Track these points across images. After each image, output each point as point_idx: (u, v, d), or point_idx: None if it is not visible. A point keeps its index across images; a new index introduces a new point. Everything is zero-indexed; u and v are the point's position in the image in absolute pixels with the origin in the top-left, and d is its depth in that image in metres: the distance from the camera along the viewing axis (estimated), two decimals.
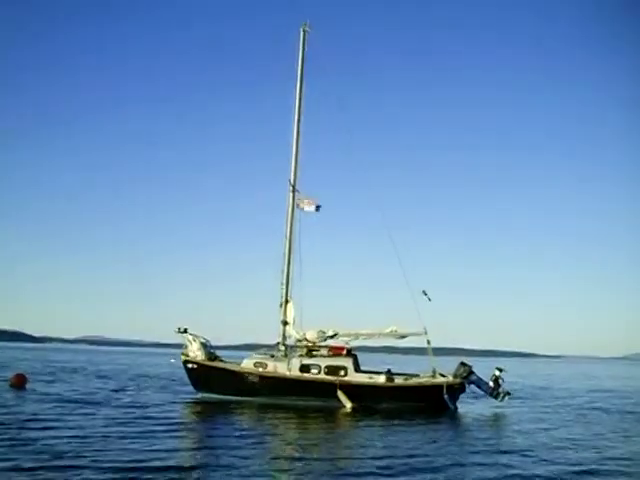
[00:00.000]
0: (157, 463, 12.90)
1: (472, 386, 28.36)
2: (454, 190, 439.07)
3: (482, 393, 29.29)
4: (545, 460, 15.30)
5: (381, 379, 27.69)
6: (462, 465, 14.31)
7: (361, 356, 29.98)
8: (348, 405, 26.29)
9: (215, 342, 31.27)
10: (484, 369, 30.34)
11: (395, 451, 15.90)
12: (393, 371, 29.66)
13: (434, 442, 17.96)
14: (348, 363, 27.68)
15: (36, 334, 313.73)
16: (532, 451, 16.59)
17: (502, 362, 38.28)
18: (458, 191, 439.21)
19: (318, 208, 30.71)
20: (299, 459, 14.26)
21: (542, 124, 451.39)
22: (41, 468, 11.97)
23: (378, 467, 13.52)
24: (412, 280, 28.50)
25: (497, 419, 25.18)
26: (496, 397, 28.16)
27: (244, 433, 18.13)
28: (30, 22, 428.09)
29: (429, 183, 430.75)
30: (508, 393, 28.41)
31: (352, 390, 26.78)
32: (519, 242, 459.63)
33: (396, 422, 22.44)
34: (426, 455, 15.49)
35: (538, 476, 13.35)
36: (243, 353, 31.06)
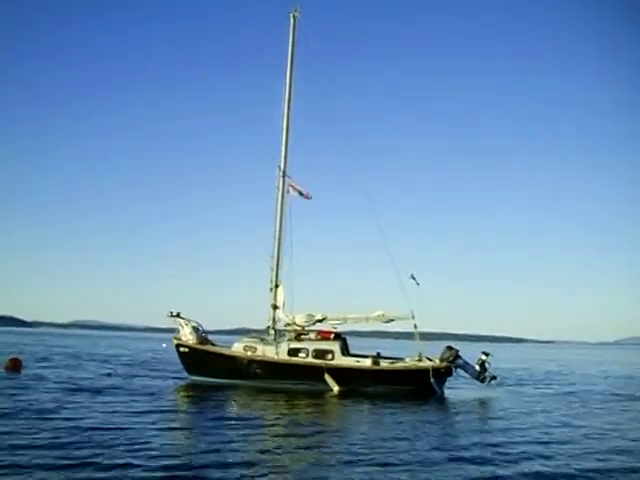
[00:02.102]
0: (149, 452, 12.97)
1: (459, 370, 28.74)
2: (445, 175, 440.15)
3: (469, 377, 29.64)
4: (527, 442, 15.71)
5: (367, 363, 28.06)
6: (445, 449, 14.61)
7: (353, 341, 30.36)
8: (335, 388, 26.69)
9: (209, 326, 31.66)
10: (474, 354, 30.56)
11: (381, 435, 16.16)
12: (383, 355, 30.04)
13: (419, 425, 18.34)
14: (335, 347, 28.03)
15: (28, 319, 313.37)
16: (517, 433, 17.00)
17: (493, 347, 38.74)
18: (449, 175, 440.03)
19: (310, 197, 31.02)
20: (285, 445, 14.38)
21: (528, 111, 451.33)
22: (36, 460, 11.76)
23: (363, 453, 13.71)
24: (401, 265, 28.80)
25: (483, 403, 25.57)
26: (482, 381, 28.42)
27: (233, 418, 18.33)
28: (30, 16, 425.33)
29: (420, 169, 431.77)
30: (494, 377, 28.69)
31: (339, 373, 27.17)
32: (509, 227, 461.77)
33: (382, 406, 22.77)
34: (410, 439, 15.80)
35: (521, 458, 13.70)
36: (236, 337, 31.43)
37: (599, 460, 13.78)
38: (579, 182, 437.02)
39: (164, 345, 35.31)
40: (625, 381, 39.88)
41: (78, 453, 12.46)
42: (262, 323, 30.53)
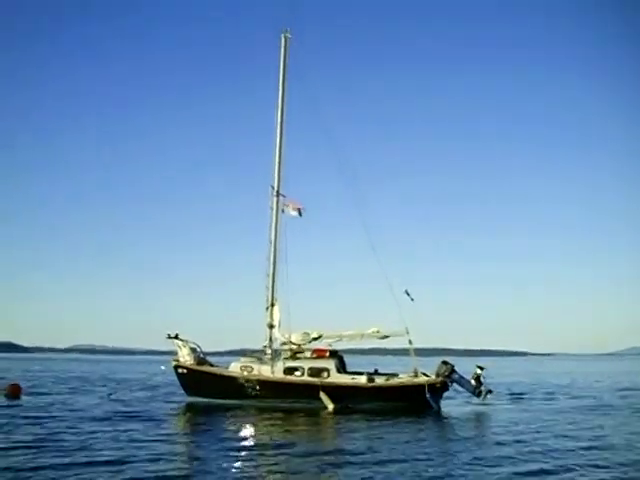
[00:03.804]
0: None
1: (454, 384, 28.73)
2: (441, 186, 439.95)
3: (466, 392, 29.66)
4: (524, 456, 15.76)
5: (362, 380, 28.13)
6: (442, 464, 14.70)
7: (353, 359, 30.41)
8: (330, 406, 26.75)
9: (209, 348, 31.72)
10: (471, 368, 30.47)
11: (376, 454, 16.09)
12: (381, 372, 30.05)
13: (415, 442, 18.34)
14: (330, 365, 28.17)
15: (27, 344, 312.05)
16: (513, 448, 16.99)
17: (495, 361, 38.76)
18: (445, 186, 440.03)
19: (300, 213, 31.22)
20: (286, 468, 14.24)
21: (525, 114, 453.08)
22: None
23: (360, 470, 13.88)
24: (396, 281, 28.96)
25: (479, 417, 25.57)
26: (478, 395, 28.48)
27: (233, 441, 18.21)
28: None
29: (416, 181, 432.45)
30: (490, 391, 28.73)
31: (334, 391, 27.27)
32: (507, 239, 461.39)
33: (377, 423, 22.67)
34: (406, 456, 15.76)
35: (519, 473, 13.76)
36: (236, 358, 31.52)
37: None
38: (580, 190, 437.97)
39: (163, 367, 35.58)
40: (631, 392, 39.72)
41: None
42: (261, 343, 30.70)
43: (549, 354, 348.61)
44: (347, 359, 30.32)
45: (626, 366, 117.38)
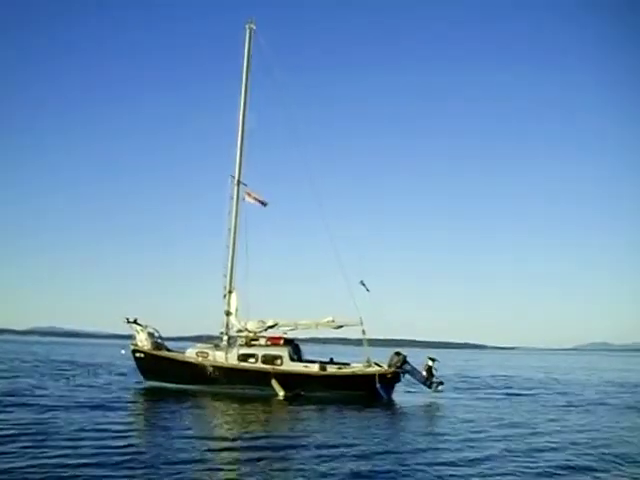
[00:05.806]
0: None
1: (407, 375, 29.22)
2: (400, 180, 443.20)
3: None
4: (469, 447, 16.17)
5: (314, 368, 28.66)
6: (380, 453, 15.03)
7: (315, 347, 30.63)
8: (281, 393, 27.30)
9: (172, 333, 31.85)
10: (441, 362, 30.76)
11: (318, 439, 16.39)
12: (337, 361, 30.67)
13: (353, 430, 18.74)
14: (284, 352, 28.63)
15: None
16: (458, 438, 17.47)
17: (454, 353, 39.23)
18: (404, 181, 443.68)
19: (265, 204, 31.57)
20: (232, 455, 14.47)
21: (513, 112, 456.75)
22: None
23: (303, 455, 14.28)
24: (358, 271, 29.47)
25: (428, 408, 26.00)
26: (429, 386, 28.91)
27: (181, 424, 18.55)
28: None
29: (375, 176, 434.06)
30: (441, 383, 29.24)
31: (286, 379, 27.77)
32: (469, 231, 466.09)
33: (327, 411, 23.16)
34: (335, 443, 16.07)
35: (462, 460, 14.21)
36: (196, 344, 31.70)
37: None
38: (548, 185, 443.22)
39: (123, 351, 35.73)
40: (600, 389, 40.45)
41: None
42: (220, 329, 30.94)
43: (510, 348, 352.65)
44: (309, 348, 30.70)
45: (593, 361, 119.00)
